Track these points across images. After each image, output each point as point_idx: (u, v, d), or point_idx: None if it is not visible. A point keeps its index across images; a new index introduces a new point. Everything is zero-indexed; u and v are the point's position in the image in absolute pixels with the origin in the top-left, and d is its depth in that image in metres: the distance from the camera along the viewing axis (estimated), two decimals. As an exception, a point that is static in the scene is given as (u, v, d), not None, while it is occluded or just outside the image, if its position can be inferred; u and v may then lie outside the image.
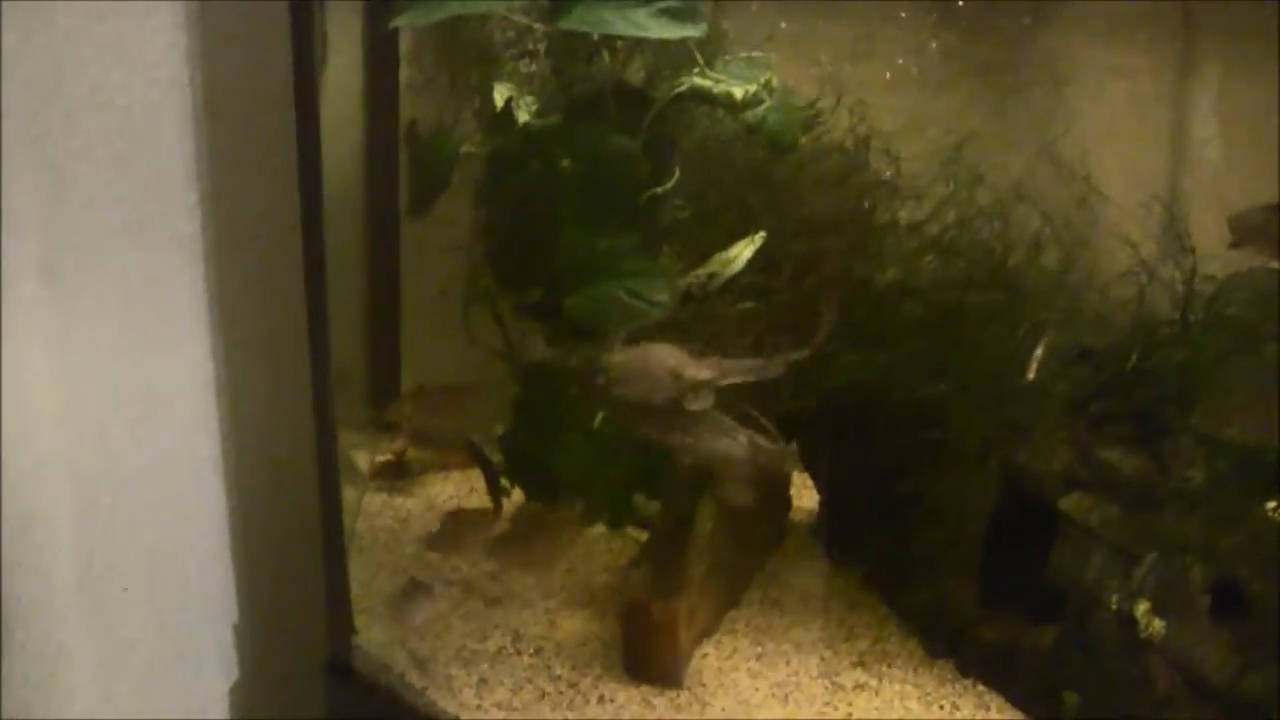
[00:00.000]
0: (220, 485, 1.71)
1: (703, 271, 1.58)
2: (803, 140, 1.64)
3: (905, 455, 1.68)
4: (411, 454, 1.99)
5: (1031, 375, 1.43)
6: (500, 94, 1.65)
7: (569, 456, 1.61)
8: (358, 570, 1.73)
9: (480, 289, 1.68)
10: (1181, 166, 1.85)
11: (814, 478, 1.86)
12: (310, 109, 1.48)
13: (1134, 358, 1.54)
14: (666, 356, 1.42)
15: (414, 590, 1.63)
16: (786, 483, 1.88)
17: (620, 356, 1.46)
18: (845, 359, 1.55)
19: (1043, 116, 1.81)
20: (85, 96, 1.44)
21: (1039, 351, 1.45)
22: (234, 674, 1.80)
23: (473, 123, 1.73)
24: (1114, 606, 1.51)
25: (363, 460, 1.95)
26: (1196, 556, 1.54)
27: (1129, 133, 1.85)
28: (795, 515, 1.92)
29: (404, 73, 1.94)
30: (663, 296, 1.52)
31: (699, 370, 1.42)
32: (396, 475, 2.02)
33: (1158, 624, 1.51)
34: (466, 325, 1.70)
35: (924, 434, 1.59)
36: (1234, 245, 1.50)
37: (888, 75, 1.81)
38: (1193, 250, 1.58)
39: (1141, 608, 1.51)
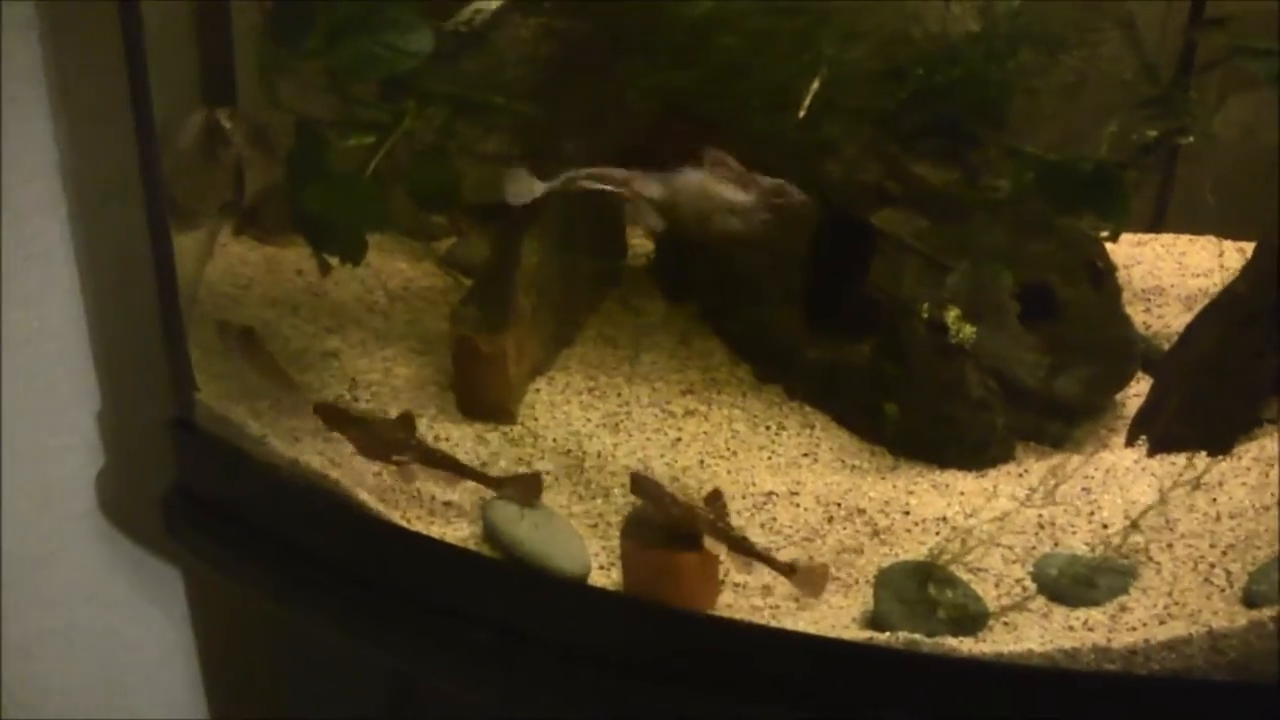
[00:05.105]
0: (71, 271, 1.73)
1: (465, 13, 1.57)
2: None
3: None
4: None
5: (802, 113, 1.43)
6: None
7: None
8: (200, 334, 1.74)
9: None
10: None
11: (646, 217, 1.87)
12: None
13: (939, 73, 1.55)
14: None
15: (245, 336, 1.65)
16: (621, 226, 1.89)
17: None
18: (649, 78, 1.55)
19: None
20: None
21: (815, 85, 1.45)
22: (100, 459, 1.83)
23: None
24: (925, 315, 1.55)
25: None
26: (1005, 264, 1.58)
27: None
28: (635, 259, 1.93)
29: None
30: (419, 45, 1.50)
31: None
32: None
33: (968, 329, 1.54)
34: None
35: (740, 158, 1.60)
36: None
37: None
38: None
39: (952, 314, 1.54)
